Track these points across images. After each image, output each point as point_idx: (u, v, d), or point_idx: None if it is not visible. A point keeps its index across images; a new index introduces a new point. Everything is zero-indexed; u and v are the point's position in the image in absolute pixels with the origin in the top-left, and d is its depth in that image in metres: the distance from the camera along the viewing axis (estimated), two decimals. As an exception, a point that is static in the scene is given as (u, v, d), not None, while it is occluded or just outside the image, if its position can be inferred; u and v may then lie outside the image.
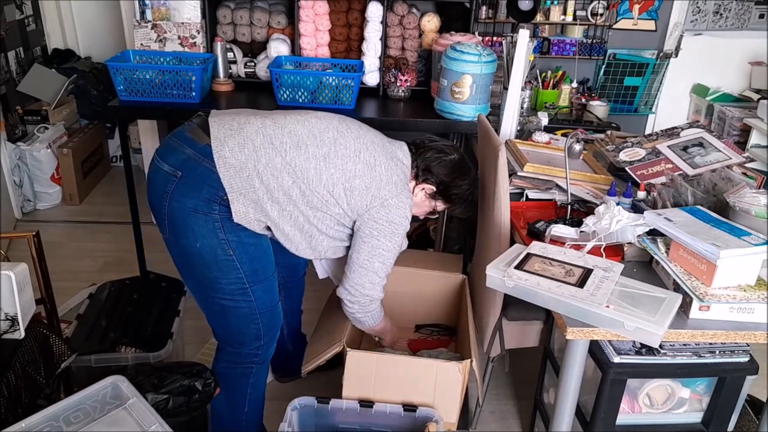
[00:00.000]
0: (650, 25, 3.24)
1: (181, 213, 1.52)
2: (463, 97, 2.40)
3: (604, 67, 3.26)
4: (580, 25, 3.12)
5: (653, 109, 3.45)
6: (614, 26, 3.19)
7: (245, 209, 1.52)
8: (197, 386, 1.67)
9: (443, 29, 2.79)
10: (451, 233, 2.86)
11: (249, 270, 1.59)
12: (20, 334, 1.56)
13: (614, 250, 1.65)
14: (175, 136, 1.59)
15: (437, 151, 1.73)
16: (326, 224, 1.62)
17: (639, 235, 1.60)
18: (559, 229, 1.69)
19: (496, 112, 2.49)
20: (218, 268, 1.57)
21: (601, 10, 3.08)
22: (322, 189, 1.56)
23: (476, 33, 2.78)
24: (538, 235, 1.71)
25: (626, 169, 2.05)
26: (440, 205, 1.80)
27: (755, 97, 3.22)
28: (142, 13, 2.63)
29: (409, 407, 1.67)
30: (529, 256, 1.55)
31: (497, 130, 2.33)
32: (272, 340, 1.74)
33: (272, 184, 1.53)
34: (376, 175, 1.60)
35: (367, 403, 1.67)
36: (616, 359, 1.48)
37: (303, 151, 1.55)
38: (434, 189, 1.73)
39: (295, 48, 2.74)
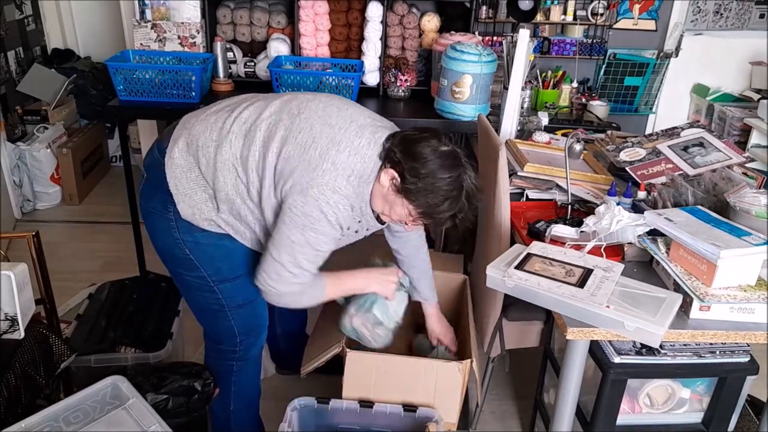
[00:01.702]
0: (650, 24, 3.23)
1: (145, 212, 1.57)
2: (463, 96, 2.40)
3: (604, 66, 3.25)
4: (580, 24, 3.12)
5: (653, 109, 3.45)
6: (614, 26, 3.18)
7: (191, 210, 1.49)
8: (196, 387, 1.67)
9: (443, 29, 2.79)
10: (451, 233, 2.86)
11: (211, 269, 1.56)
12: (20, 334, 1.56)
13: (614, 250, 1.64)
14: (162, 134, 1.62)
15: (420, 138, 1.40)
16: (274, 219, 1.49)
17: (639, 235, 1.60)
18: (559, 229, 1.69)
19: (496, 112, 2.49)
20: (179, 265, 1.57)
21: (601, 10, 3.08)
22: (259, 179, 1.45)
23: (476, 33, 2.78)
24: (538, 235, 1.71)
25: (626, 169, 2.05)
26: (405, 208, 1.43)
27: (755, 97, 3.21)
28: (142, 12, 2.63)
29: (409, 407, 1.67)
30: (529, 256, 1.54)
31: (497, 130, 2.33)
32: (253, 339, 1.71)
33: (218, 184, 1.46)
34: (306, 158, 1.38)
35: (367, 404, 1.67)
36: (617, 359, 1.48)
37: (248, 140, 1.44)
38: (398, 178, 1.39)
39: (295, 48, 2.74)
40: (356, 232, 1.54)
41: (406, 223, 1.50)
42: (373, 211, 1.49)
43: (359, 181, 1.41)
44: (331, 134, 1.40)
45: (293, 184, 1.38)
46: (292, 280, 1.45)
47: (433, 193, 1.37)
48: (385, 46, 2.75)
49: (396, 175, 1.39)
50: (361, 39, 2.75)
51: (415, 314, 2.25)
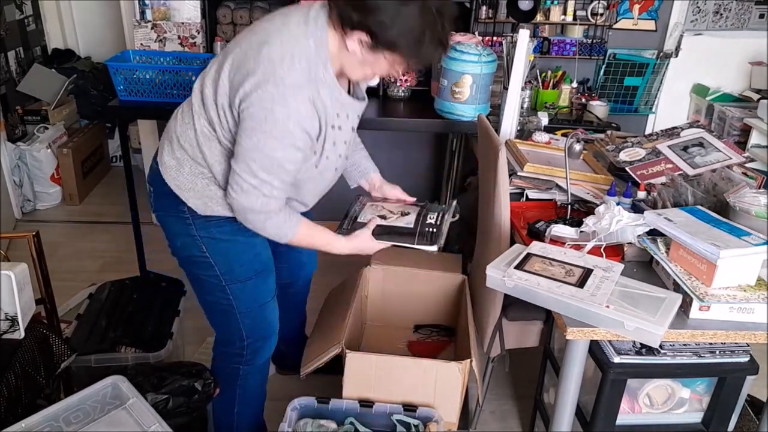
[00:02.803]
0: (650, 25, 3.23)
1: (161, 219, 1.61)
2: (463, 97, 2.40)
3: (604, 67, 3.25)
4: (580, 25, 3.12)
5: (653, 109, 3.45)
6: (614, 26, 3.18)
7: (202, 201, 1.52)
8: (197, 387, 1.67)
9: (443, 29, 2.78)
10: (451, 233, 2.86)
11: (224, 268, 1.59)
12: (20, 334, 1.56)
13: (614, 250, 1.64)
14: None
15: None
16: None
17: (639, 235, 1.60)
18: (559, 229, 1.69)
19: (496, 112, 2.49)
20: (196, 265, 1.60)
21: (601, 10, 3.08)
22: (227, 124, 1.42)
23: (476, 33, 2.77)
24: (538, 235, 1.71)
25: (626, 169, 2.05)
26: (389, 60, 1.37)
27: (755, 97, 3.21)
28: (142, 13, 2.63)
29: (409, 407, 1.67)
30: (529, 256, 1.55)
31: (497, 130, 2.33)
32: (261, 344, 1.71)
33: (209, 160, 1.47)
34: (244, 72, 1.33)
35: (367, 403, 1.67)
36: (616, 359, 1.48)
37: (202, 90, 1.44)
38: (367, 36, 1.32)
39: (295, 48, 2.74)
40: (321, 151, 1.46)
41: (399, 79, 1.44)
42: (350, 90, 1.49)
43: (308, 64, 1.34)
44: (260, 39, 1.36)
45: (241, 97, 1.34)
46: (252, 192, 1.39)
47: (410, 31, 1.30)
48: (385, 46, 2.75)
49: (363, 36, 1.32)
50: (361, 39, 2.75)
51: (413, 313, 2.25)
